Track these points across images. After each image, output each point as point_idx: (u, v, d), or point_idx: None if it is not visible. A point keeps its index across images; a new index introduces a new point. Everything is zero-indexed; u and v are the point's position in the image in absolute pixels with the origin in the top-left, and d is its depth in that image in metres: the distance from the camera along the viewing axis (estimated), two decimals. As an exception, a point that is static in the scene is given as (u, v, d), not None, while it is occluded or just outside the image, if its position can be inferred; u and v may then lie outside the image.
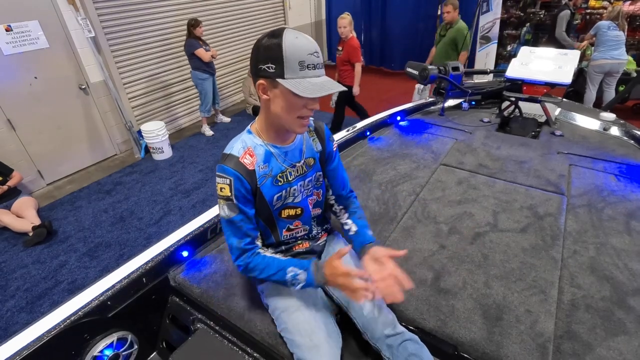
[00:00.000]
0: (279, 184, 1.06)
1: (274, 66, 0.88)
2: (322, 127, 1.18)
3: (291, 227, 1.15)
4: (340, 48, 3.95)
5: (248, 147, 1.01)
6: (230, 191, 0.98)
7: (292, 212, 1.13)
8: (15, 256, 2.92)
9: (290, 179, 1.07)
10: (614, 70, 4.46)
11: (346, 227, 1.21)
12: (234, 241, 1.03)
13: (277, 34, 0.88)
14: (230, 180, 0.98)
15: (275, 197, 1.06)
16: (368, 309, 1.07)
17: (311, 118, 1.13)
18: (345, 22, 3.73)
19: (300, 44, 0.87)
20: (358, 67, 3.88)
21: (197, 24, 4.32)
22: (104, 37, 4.02)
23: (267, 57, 0.88)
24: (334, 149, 1.20)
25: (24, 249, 2.98)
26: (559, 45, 4.96)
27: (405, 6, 6.53)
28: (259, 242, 1.07)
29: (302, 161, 1.10)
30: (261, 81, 0.92)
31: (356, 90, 3.98)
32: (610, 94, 4.62)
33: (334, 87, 0.91)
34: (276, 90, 0.91)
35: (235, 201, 0.99)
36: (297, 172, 1.09)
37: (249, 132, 1.05)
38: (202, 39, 4.55)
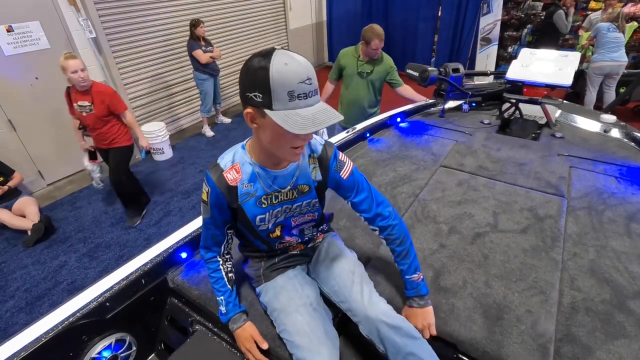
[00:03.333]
0: (263, 206, 1.03)
1: (261, 95, 0.79)
2: (329, 155, 1.06)
3: (283, 241, 1.15)
4: (86, 103, 2.76)
5: (236, 162, 0.99)
6: (207, 198, 1.02)
7: (277, 233, 1.12)
8: (15, 257, 2.93)
9: (274, 202, 1.04)
10: (614, 72, 4.47)
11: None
12: (204, 235, 1.12)
13: (265, 56, 0.79)
14: (209, 191, 1.00)
15: (258, 218, 1.04)
16: (356, 300, 1.06)
17: (320, 143, 1.06)
18: (77, 63, 2.61)
19: (289, 71, 0.77)
20: (130, 116, 2.97)
21: (197, 24, 4.34)
22: (105, 38, 4.03)
23: (254, 84, 0.80)
24: (346, 177, 1.07)
25: (23, 250, 2.99)
26: (552, 46, 5.01)
27: (406, 7, 6.55)
28: (222, 248, 1.14)
29: (291, 187, 1.03)
30: (249, 110, 0.85)
31: (145, 142, 3.10)
32: (610, 96, 4.62)
33: (328, 119, 0.81)
34: (264, 120, 0.83)
35: (209, 207, 1.03)
36: (285, 197, 1.04)
37: (243, 147, 1.01)
38: (206, 39, 4.56)
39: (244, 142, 1.02)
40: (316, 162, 1.05)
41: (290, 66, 0.78)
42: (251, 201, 1.01)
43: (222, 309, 1.12)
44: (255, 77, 0.79)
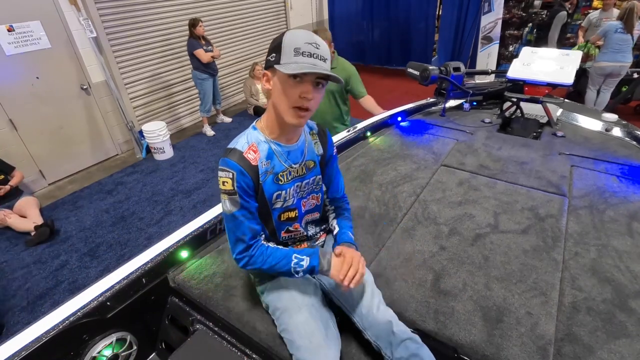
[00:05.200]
0: (280, 182, 1.06)
1: (274, 54, 0.92)
2: (326, 131, 1.21)
3: (290, 229, 1.16)
4: None
5: (252, 142, 1.02)
6: (233, 185, 0.97)
7: (292, 214, 1.13)
8: (16, 256, 2.93)
9: (288, 179, 1.08)
10: (616, 73, 4.43)
11: (332, 229, 1.25)
12: (235, 236, 1.02)
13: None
14: (233, 174, 0.97)
15: (275, 194, 1.07)
16: (366, 307, 1.07)
17: (315, 123, 1.19)
18: None
19: (299, 33, 0.92)
20: None
21: (196, 23, 4.33)
22: (105, 38, 4.04)
23: (271, 48, 0.94)
24: (334, 154, 1.23)
25: (25, 249, 2.99)
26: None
27: (407, 6, 6.54)
28: (261, 237, 1.06)
29: (303, 163, 1.10)
30: (266, 72, 0.97)
31: None
32: (604, 97, 4.58)
33: (328, 70, 0.92)
34: (275, 78, 0.95)
35: (237, 196, 0.98)
36: (296, 173, 1.10)
37: (254, 128, 1.06)
38: (206, 38, 4.56)
39: (253, 123, 1.08)
40: (316, 137, 1.17)
41: (301, 31, 0.93)
42: (269, 179, 1.04)
43: (304, 262, 1.01)
44: (274, 43, 0.94)
